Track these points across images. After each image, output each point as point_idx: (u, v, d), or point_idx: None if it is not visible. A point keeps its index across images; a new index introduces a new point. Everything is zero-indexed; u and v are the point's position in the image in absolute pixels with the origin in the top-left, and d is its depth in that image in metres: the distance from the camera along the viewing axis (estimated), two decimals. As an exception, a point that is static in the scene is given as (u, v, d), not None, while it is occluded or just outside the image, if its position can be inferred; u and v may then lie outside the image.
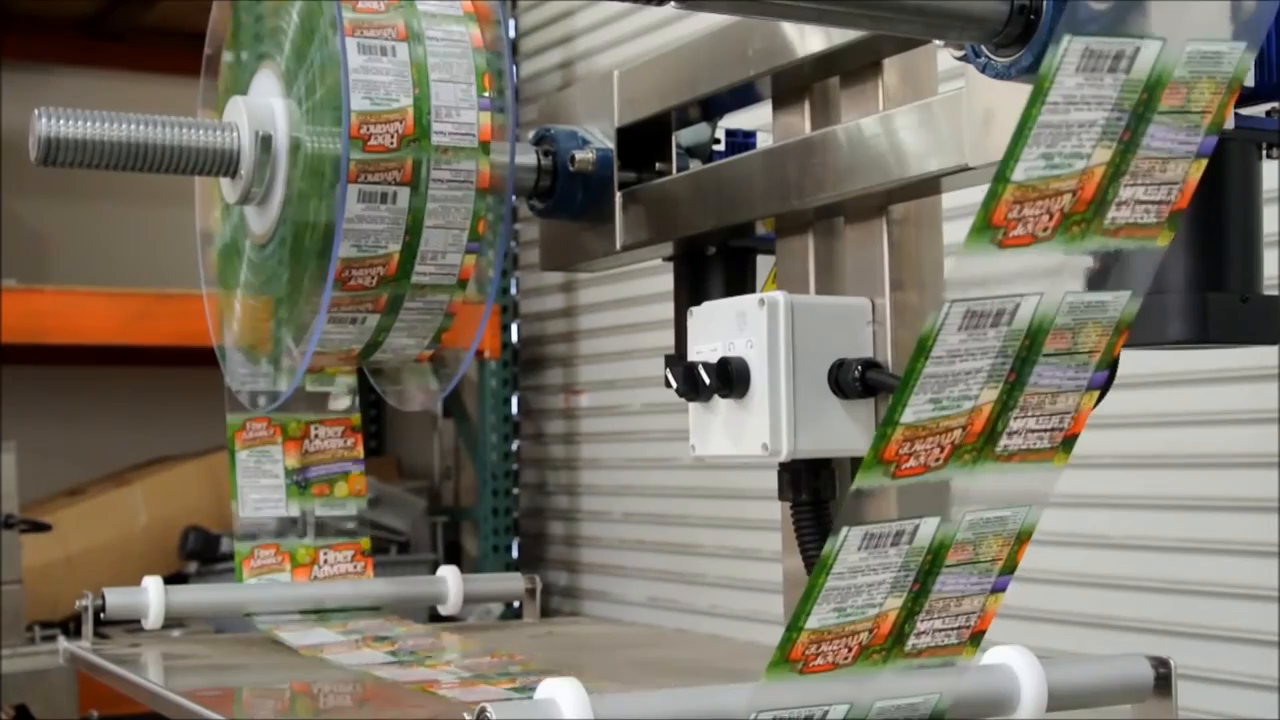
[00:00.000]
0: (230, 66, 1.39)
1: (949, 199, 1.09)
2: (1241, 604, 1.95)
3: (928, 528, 0.66)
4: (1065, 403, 0.68)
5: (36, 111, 1.21)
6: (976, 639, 0.70)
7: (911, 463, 0.65)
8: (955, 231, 1.19)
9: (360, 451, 1.51)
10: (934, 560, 0.67)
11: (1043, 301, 0.65)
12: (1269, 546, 1.90)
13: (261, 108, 1.26)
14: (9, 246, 3.73)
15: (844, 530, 0.63)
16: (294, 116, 1.25)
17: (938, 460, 0.65)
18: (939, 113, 0.99)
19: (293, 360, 1.29)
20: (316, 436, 1.49)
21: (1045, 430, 0.68)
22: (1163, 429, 2.07)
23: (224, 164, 1.26)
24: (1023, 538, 0.69)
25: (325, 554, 1.48)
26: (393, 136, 1.17)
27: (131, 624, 1.45)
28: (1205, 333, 0.86)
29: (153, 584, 1.39)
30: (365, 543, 1.50)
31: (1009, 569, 0.70)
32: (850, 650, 0.66)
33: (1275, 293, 0.89)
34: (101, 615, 1.37)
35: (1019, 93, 0.86)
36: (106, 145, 1.22)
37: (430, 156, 1.19)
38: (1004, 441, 0.67)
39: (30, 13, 3.90)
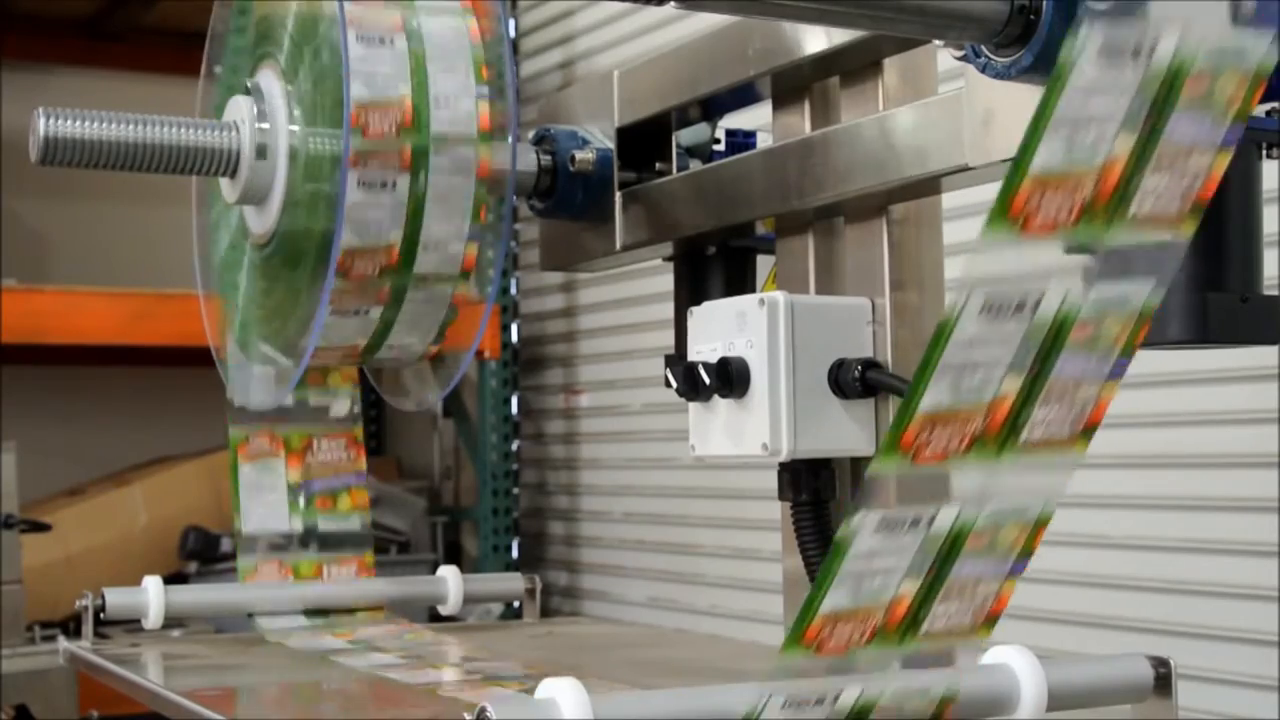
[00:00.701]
0: (229, 84, 1.38)
1: (949, 199, 1.09)
2: (1241, 604, 1.95)
3: (947, 515, 0.66)
4: (1086, 392, 0.68)
5: (36, 111, 1.21)
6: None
7: (930, 451, 0.64)
8: (955, 231, 1.19)
9: (363, 464, 1.50)
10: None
11: (1067, 296, 0.64)
12: (1269, 546, 1.90)
13: (262, 106, 1.26)
14: (9, 246, 3.73)
15: (860, 513, 0.63)
16: (294, 115, 1.25)
17: (958, 448, 0.65)
18: (939, 113, 0.99)
19: (294, 359, 1.29)
20: (319, 450, 1.48)
21: (1066, 420, 0.68)
22: (1163, 429, 2.07)
23: (224, 164, 1.26)
24: (1040, 525, 0.69)
25: (329, 569, 1.47)
26: (391, 125, 1.17)
27: (131, 624, 1.45)
28: (1205, 333, 0.86)
29: (153, 584, 1.39)
30: (369, 557, 1.49)
31: (1026, 554, 0.69)
32: (864, 634, 0.65)
33: (1275, 293, 0.89)
34: (101, 615, 1.37)
35: (1019, 93, 0.86)
36: (106, 145, 1.22)
37: (429, 144, 1.19)
38: (1025, 433, 0.67)
39: (30, 13, 3.90)
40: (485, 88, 1.22)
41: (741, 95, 1.22)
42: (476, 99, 1.21)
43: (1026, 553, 0.69)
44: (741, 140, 1.34)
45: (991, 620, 0.70)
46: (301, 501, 1.47)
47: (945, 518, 0.65)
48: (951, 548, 0.66)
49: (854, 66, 1.11)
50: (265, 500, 1.46)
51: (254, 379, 1.38)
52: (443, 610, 1.53)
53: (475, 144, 1.21)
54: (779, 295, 1.03)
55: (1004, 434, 0.66)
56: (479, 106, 1.21)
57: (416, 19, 1.21)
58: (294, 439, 1.48)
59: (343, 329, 1.24)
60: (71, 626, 2.75)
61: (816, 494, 1.07)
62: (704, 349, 1.08)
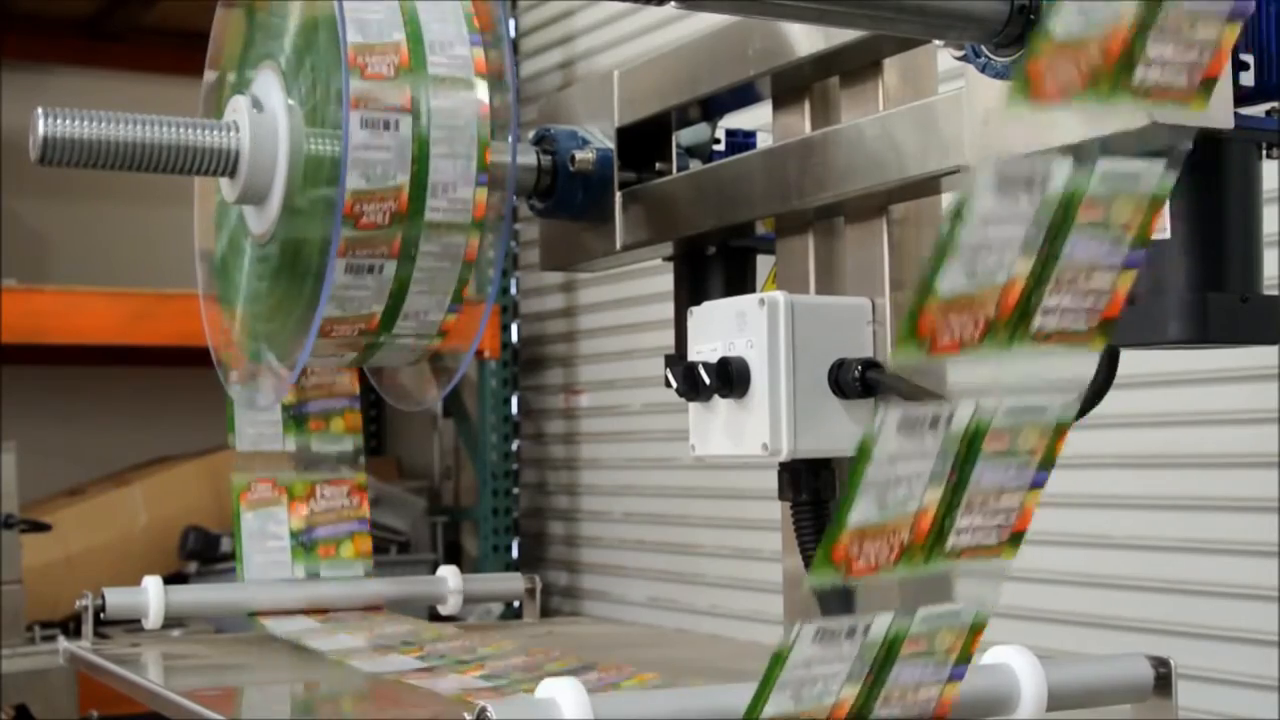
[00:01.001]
0: (231, 86, 1.37)
1: (949, 199, 1.09)
2: (1241, 604, 1.95)
3: (965, 411, 0.66)
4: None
5: (36, 111, 1.21)
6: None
7: (946, 340, 0.65)
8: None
9: (366, 511, 1.50)
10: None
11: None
12: (1269, 546, 1.90)
13: (262, 106, 1.26)
14: (9, 246, 3.73)
15: (882, 416, 0.64)
16: (294, 115, 1.25)
17: (972, 337, 0.66)
18: (939, 113, 0.99)
19: (298, 352, 1.29)
20: (322, 497, 1.48)
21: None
22: (1163, 429, 2.07)
23: (224, 164, 1.26)
24: (1061, 430, 0.69)
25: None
26: (390, 67, 1.17)
27: (131, 624, 1.45)
28: (1205, 333, 0.86)
29: (153, 584, 1.39)
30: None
31: (1047, 463, 0.70)
32: (892, 551, 0.66)
33: (1275, 293, 0.89)
34: (101, 615, 1.37)
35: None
36: (106, 145, 1.22)
37: (429, 87, 1.19)
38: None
39: (30, 13, 3.90)
40: (479, 36, 1.22)
41: (741, 95, 1.22)
42: (471, 46, 1.21)
43: (1048, 462, 0.69)
44: (741, 140, 1.34)
45: (1016, 538, 0.70)
46: (304, 548, 1.47)
47: (962, 415, 0.66)
48: (969, 449, 0.67)
49: (854, 66, 1.11)
50: (267, 548, 1.46)
51: (257, 379, 1.38)
52: (443, 610, 1.53)
53: (473, 87, 1.20)
54: (779, 295, 1.03)
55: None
56: (474, 52, 1.21)
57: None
58: (296, 486, 1.47)
59: (358, 291, 1.22)
60: (71, 626, 2.75)
61: (816, 494, 1.07)
62: (704, 349, 1.08)
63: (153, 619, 1.39)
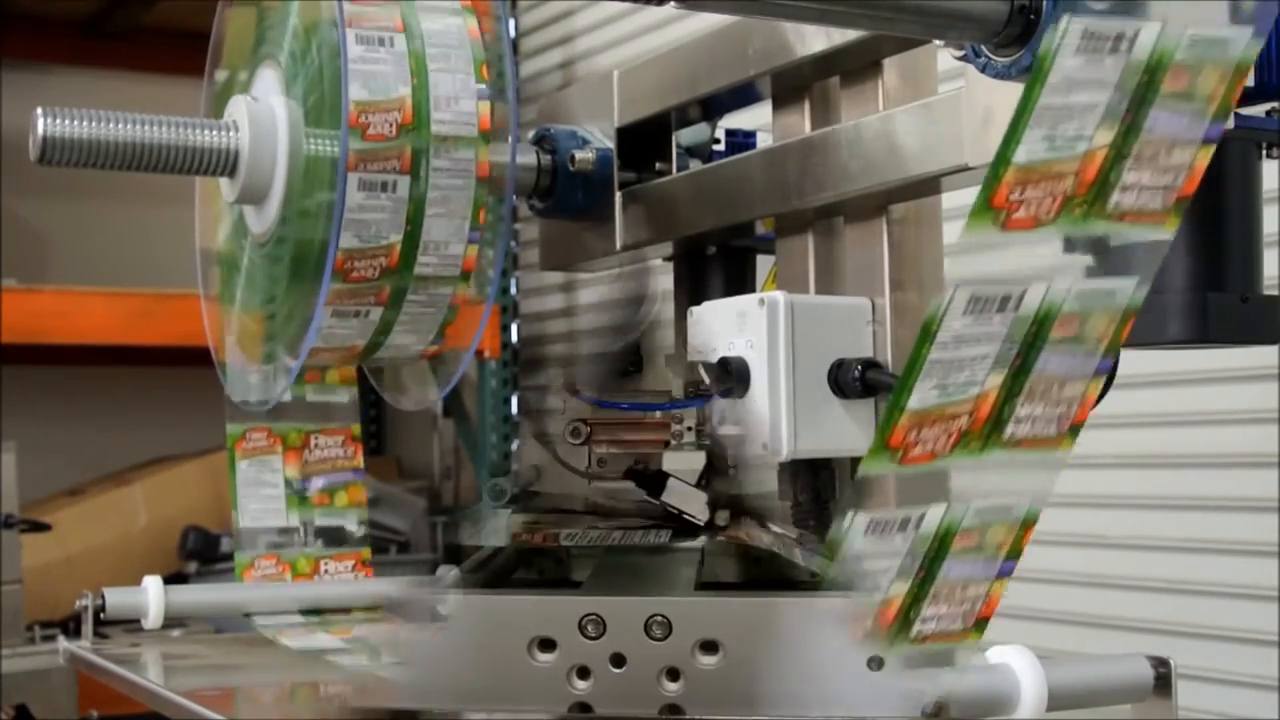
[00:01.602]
0: (240, 85, 1.37)
1: (949, 199, 1.09)
2: (1241, 604, 1.95)
3: (934, 514, 0.66)
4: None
5: (36, 111, 1.21)
6: (1075, 429, 0.69)
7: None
8: (955, 231, 1.19)
9: (360, 461, 1.51)
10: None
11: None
12: (1269, 546, 1.90)
13: (262, 106, 1.26)
14: (9, 246, 3.72)
15: (950, 294, 0.62)
16: (294, 115, 1.24)
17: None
18: (939, 113, 0.99)
19: (291, 359, 1.29)
20: (317, 446, 1.49)
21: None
22: (1163, 429, 2.07)
23: (224, 164, 1.26)
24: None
25: (326, 564, 1.47)
26: (391, 125, 1.17)
27: (131, 624, 1.45)
28: (1205, 333, 0.86)
29: (153, 584, 1.39)
30: (366, 553, 1.49)
31: (1015, 555, 0.69)
32: (950, 436, 0.65)
33: (1275, 293, 0.89)
34: (101, 615, 1.37)
35: (1019, 93, 0.86)
36: (106, 145, 1.22)
37: (430, 145, 1.18)
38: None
39: (30, 13, 3.90)
40: (485, 87, 1.21)
41: (741, 95, 1.22)
42: (477, 99, 1.21)
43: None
44: (741, 140, 1.34)
45: (1076, 429, 0.69)
46: (299, 497, 1.48)
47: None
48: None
49: (854, 66, 1.11)
50: (262, 495, 1.47)
51: (251, 378, 1.38)
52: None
53: (476, 145, 1.20)
54: (779, 295, 1.03)
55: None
56: (479, 107, 1.21)
57: (416, 18, 1.21)
58: (291, 435, 1.48)
59: (342, 330, 1.23)
60: (71, 626, 2.75)
61: (816, 494, 1.07)
62: (704, 349, 1.08)
63: (152, 619, 1.38)
